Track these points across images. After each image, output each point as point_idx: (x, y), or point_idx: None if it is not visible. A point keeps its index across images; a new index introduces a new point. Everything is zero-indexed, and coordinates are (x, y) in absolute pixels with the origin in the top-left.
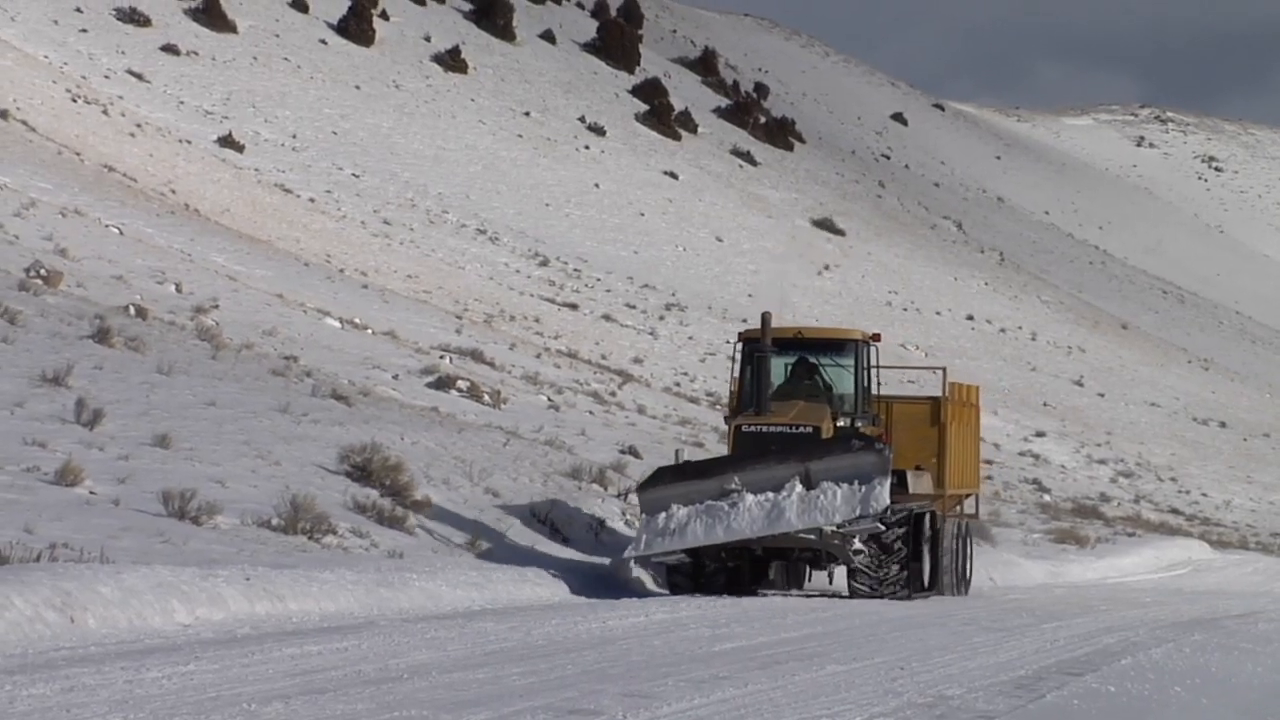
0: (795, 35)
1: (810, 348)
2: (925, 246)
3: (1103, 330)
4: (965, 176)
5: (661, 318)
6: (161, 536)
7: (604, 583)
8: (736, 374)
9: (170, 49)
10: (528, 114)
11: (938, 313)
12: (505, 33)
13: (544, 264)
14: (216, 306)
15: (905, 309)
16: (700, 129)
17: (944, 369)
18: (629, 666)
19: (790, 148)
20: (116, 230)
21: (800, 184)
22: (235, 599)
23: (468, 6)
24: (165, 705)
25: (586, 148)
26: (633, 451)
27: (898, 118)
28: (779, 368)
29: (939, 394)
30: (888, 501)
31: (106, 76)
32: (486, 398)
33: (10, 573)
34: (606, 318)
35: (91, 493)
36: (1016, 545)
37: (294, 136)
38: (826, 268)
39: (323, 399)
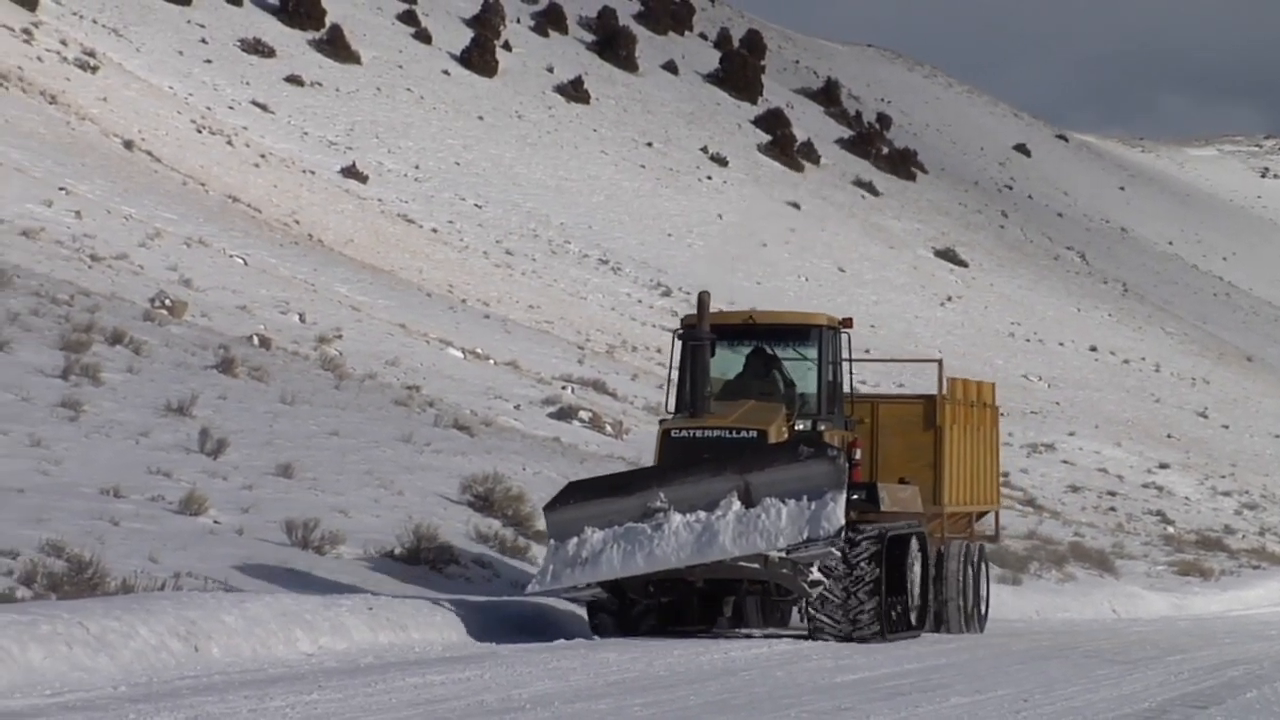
0: (918, 66)
1: (765, 336)
2: (1048, 277)
3: (1227, 362)
4: (1089, 207)
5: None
6: (285, 565)
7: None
8: (675, 369)
9: (294, 80)
10: (650, 144)
11: (1061, 344)
12: (628, 63)
13: (666, 294)
14: (340, 336)
15: (1028, 340)
16: (823, 159)
17: (939, 360)
18: (751, 698)
19: (913, 178)
20: (241, 260)
21: (923, 214)
22: (358, 628)
23: (590, 37)
24: None
25: (709, 178)
26: None
27: (1021, 148)
28: (736, 361)
29: (936, 392)
30: (843, 521)
31: (231, 107)
32: (609, 428)
33: (135, 602)
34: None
35: (216, 522)
36: (1140, 577)
37: (417, 167)
38: (949, 299)
39: (445, 429)
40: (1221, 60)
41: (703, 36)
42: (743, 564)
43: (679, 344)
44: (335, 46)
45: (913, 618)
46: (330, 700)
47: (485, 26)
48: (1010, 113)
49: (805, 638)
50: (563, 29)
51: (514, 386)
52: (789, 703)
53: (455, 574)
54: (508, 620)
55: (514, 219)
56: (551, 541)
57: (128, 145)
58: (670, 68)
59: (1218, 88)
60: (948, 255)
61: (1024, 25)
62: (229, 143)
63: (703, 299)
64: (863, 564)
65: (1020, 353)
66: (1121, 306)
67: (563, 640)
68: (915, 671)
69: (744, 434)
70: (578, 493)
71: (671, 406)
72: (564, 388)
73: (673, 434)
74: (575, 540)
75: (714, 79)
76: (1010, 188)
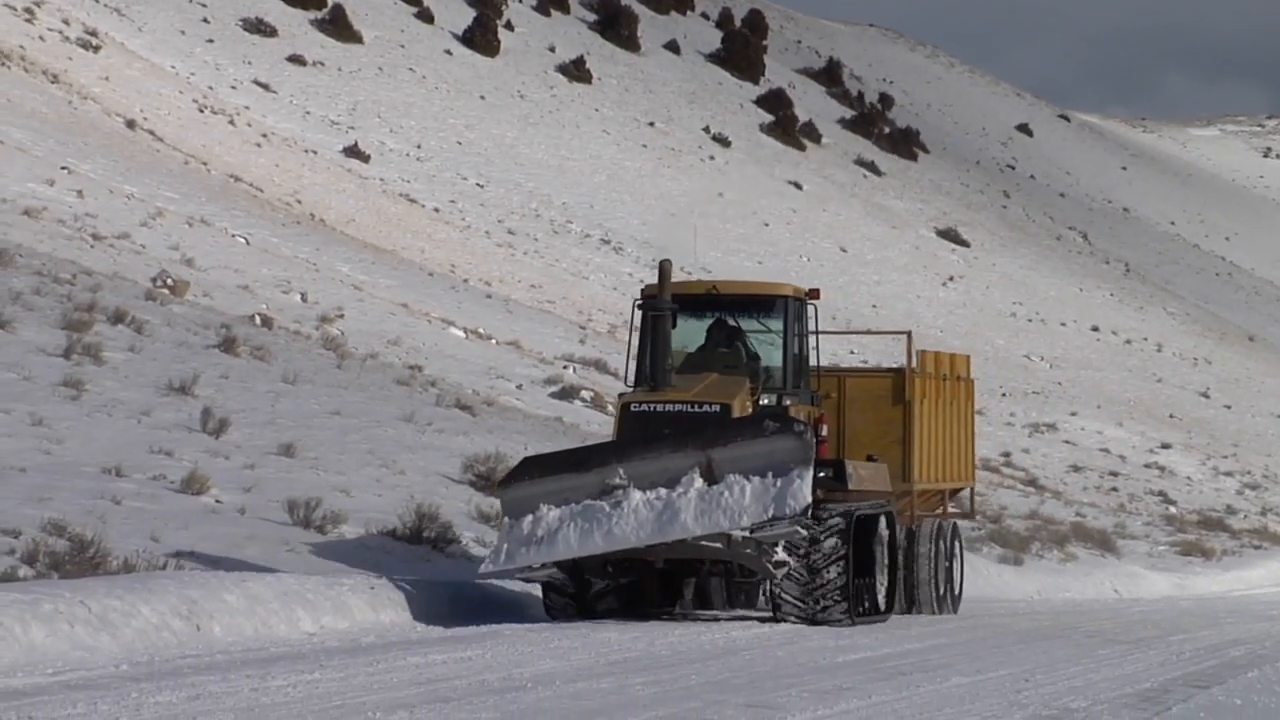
0: (920, 46)
1: (729, 307)
2: (1050, 257)
3: (1229, 342)
4: (1091, 187)
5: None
6: (286, 545)
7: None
8: (636, 341)
9: (296, 59)
10: (652, 124)
11: (1062, 324)
12: (630, 43)
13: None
14: (341, 316)
15: (1030, 320)
16: (824, 139)
17: (909, 333)
18: (752, 677)
19: (915, 158)
20: (243, 240)
21: (925, 194)
22: (360, 607)
23: (592, 17)
24: (290, 713)
25: (711, 158)
26: None
27: (1023, 128)
28: (699, 333)
29: (905, 365)
30: (809, 499)
31: (233, 87)
32: (610, 408)
33: (137, 581)
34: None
35: (217, 501)
36: (1142, 557)
37: (419, 146)
38: (951, 279)
39: (447, 408)
40: (1226, 40)
41: (705, 16)
42: (705, 543)
43: (639, 314)
44: (337, 26)
45: (881, 600)
46: (332, 679)
47: (487, 6)
48: (1012, 92)
49: (770, 620)
50: (564, 8)
51: (516, 366)
52: (790, 682)
53: (457, 553)
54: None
55: (516, 199)
56: (506, 519)
57: (130, 125)
58: (672, 47)
59: (1222, 67)
60: (950, 235)
61: (1027, 5)
62: (231, 122)
63: (664, 268)
64: (829, 544)
65: (1022, 333)
66: (1123, 286)
67: (543, 622)
68: (916, 651)
69: (706, 408)
70: (533, 469)
71: (632, 379)
72: (566, 367)
73: (632, 408)
74: (530, 518)
75: (716, 59)
76: (1012, 167)
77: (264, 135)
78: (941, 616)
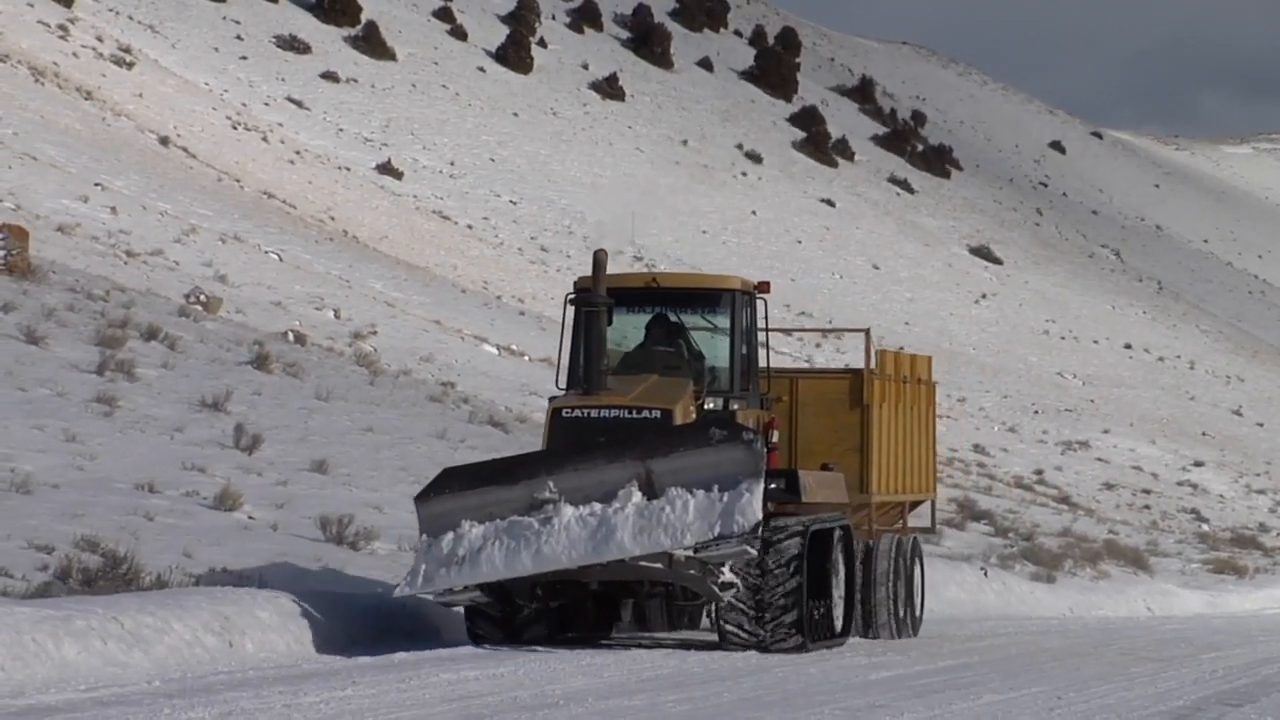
0: (953, 63)
1: (670, 301)
2: (1083, 275)
3: (1262, 360)
4: (1124, 205)
5: (818, 345)
6: (319, 561)
7: None
8: (569, 340)
9: (330, 76)
10: (685, 142)
11: (1095, 341)
12: (663, 60)
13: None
14: (374, 333)
15: (1063, 338)
16: (857, 157)
17: (867, 330)
18: (785, 695)
19: (947, 175)
20: (275, 256)
21: (957, 212)
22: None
23: (625, 34)
24: None
25: (743, 175)
26: None
27: (1056, 146)
28: (638, 330)
29: (864, 366)
30: (759, 515)
31: (266, 104)
32: None
33: (170, 597)
34: (763, 345)
35: (250, 517)
36: (1175, 575)
37: (452, 164)
38: (984, 296)
39: (479, 425)
40: (1261, 58)
41: (738, 34)
42: (644, 564)
43: (572, 311)
44: (371, 43)
45: (837, 622)
46: (364, 696)
47: (520, 23)
48: (1045, 110)
49: (715, 646)
50: (598, 26)
51: (548, 383)
52: (822, 699)
53: None
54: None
55: (549, 215)
56: (423, 536)
57: (163, 141)
58: (705, 65)
59: (1256, 86)
60: (982, 253)
61: (1062, 23)
62: (264, 139)
63: (598, 258)
64: (781, 564)
65: (1055, 350)
66: (1156, 304)
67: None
68: (949, 669)
69: (646, 414)
70: (454, 481)
71: (564, 382)
72: None
73: (564, 413)
74: (451, 536)
75: (749, 76)
76: (1045, 185)
77: (297, 152)
78: (980, 633)
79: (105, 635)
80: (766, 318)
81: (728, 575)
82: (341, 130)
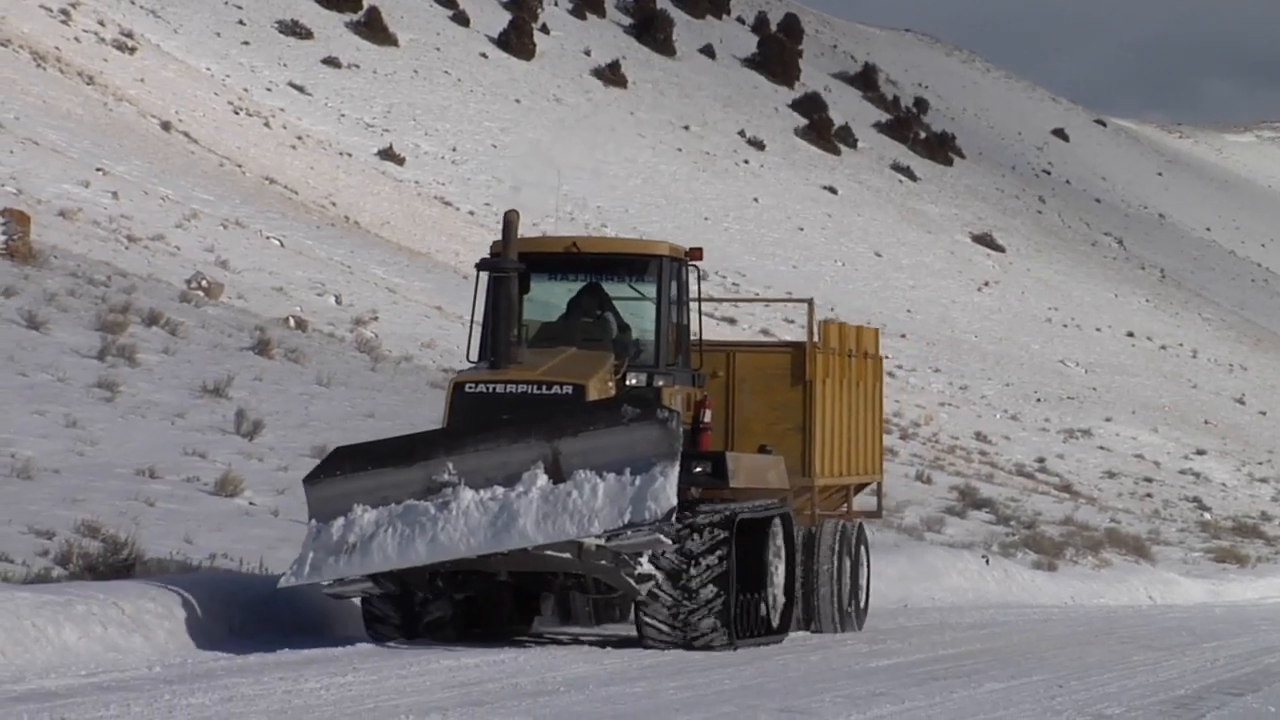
0: (956, 50)
1: (593, 268)
2: (1086, 263)
3: (1264, 348)
4: (1126, 193)
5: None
6: None
7: None
8: (481, 311)
9: (331, 62)
10: (687, 128)
11: (1098, 329)
12: (665, 47)
13: (703, 278)
14: (376, 318)
15: (1065, 326)
16: (860, 144)
17: (810, 300)
18: (786, 682)
19: (950, 163)
20: (277, 242)
21: (960, 199)
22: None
23: (628, 21)
24: (323, 715)
25: (746, 162)
26: None
27: (1059, 133)
28: (561, 300)
29: (806, 339)
30: (674, 501)
31: (268, 89)
32: None
33: (171, 582)
34: (765, 332)
35: (251, 503)
36: (1176, 564)
37: (454, 149)
38: (986, 284)
39: None
40: (1264, 47)
41: (740, 20)
42: (550, 553)
43: (484, 279)
44: (373, 28)
45: (775, 617)
46: (364, 682)
47: (523, 9)
48: (1048, 98)
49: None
50: (600, 12)
51: None
52: (824, 687)
53: None
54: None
55: (551, 202)
56: (312, 522)
57: (165, 126)
58: (708, 51)
59: (1260, 74)
60: (985, 240)
61: (1065, 11)
62: (266, 124)
63: (509, 219)
64: (704, 555)
65: (1057, 338)
66: (1159, 292)
67: (597, 627)
68: (950, 656)
69: (556, 389)
70: (346, 461)
71: (476, 355)
72: None
73: (466, 388)
74: (341, 521)
75: (751, 63)
76: (1048, 173)
77: (299, 138)
78: (981, 617)
79: (106, 620)
80: (699, 286)
81: (645, 567)
82: (343, 116)
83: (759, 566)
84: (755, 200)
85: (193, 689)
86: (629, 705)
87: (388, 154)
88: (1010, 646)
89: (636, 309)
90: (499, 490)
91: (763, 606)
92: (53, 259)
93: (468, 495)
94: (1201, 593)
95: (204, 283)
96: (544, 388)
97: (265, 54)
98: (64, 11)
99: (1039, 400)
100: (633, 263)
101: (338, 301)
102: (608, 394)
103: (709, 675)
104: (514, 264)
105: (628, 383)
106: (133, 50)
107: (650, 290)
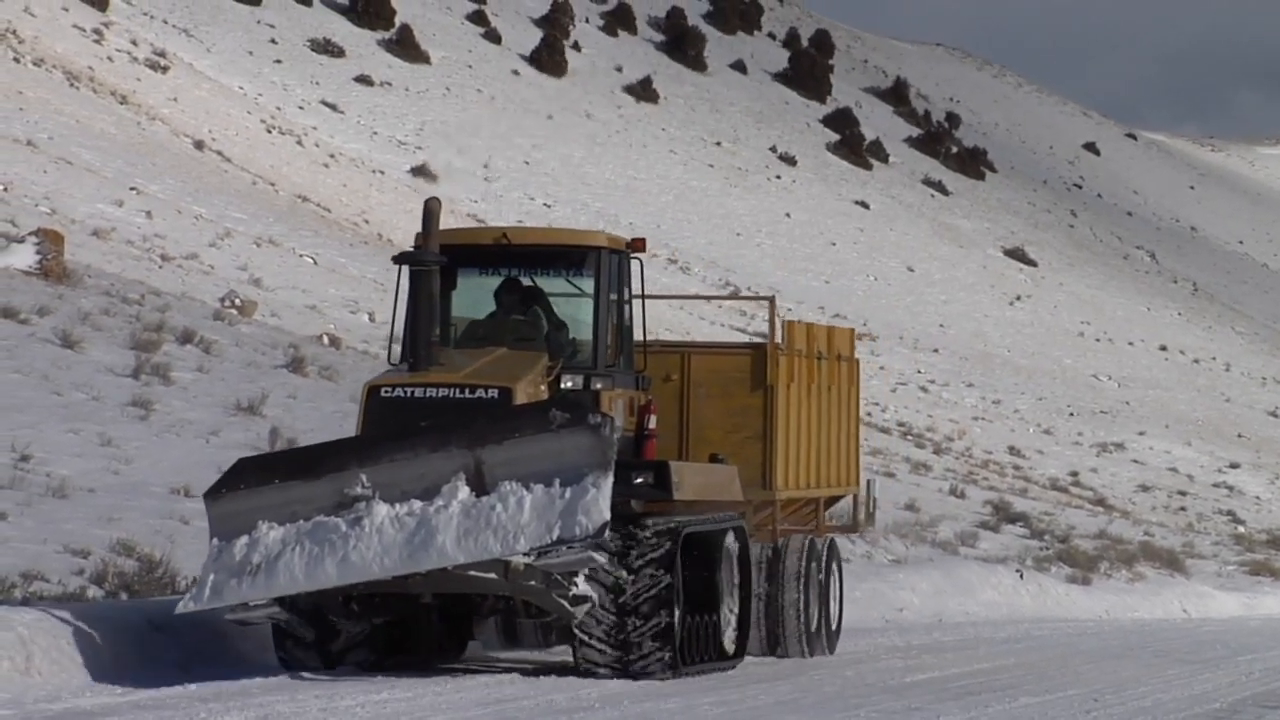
0: (987, 65)
1: (525, 262)
2: (1118, 277)
3: None
4: (1158, 206)
5: None
6: None
7: None
8: (403, 309)
9: (364, 80)
10: (719, 144)
11: (1130, 343)
12: (696, 63)
13: (734, 293)
14: None
15: (1098, 340)
16: (891, 159)
17: (772, 298)
18: (821, 697)
19: (982, 177)
20: (310, 260)
21: (992, 214)
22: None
23: (659, 37)
24: None
25: (778, 177)
26: None
27: (1090, 147)
28: (489, 295)
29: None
30: (606, 515)
31: (301, 107)
32: None
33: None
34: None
35: None
36: (1210, 577)
37: (486, 166)
38: (1018, 298)
39: None
40: None
41: (771, 36)
42: (475, 573)
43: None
44: (405, 46)
45: (728, 642)
46: (400, 699)
47: (554, 26)
48: (1079, 111)
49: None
50: (631, 29)
51: None
52: (858, 702)
53: None
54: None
55: (583, 218)
56: (214, 541)
57: (198, 145)
58: (739, 67)
59: None
60: (1017, 254)
61: (1096, 25)
62: (299, 143)
63: (429, 207)
64: (646, 573)
65: (1090, 352)
66: (1191, 306)
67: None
68: (985, 671)
69: (480, 393)
70: (250, 474)
71: (397, 358)
72: None
73: (382, 393)
74: (245, 540)
75: (783, 78)
76: (1079, 186)
77: (331, 155)
78: (1013, 633)
79: (140, 639)
80: (643, 281)
81: (582, 587)
82: (376, 134)
83: (711, 586)
84: (787, 216)
85: (228, 707)
86: None
87: (420, 171)
88: (1045, 661)
89: (573, 305)
90: (416, 504)
91: (715, 630)
92: (87, 278)
93: (382, 510)
94: (1236, 606)
95: (237, 301)
96: (467, 391)
97: (298, 72)
98: (97, 31)
99: (1072, 414)
100: (568, 255)
101: (371, 319)
102: (539, 398)
103: (743, 691)
104: (435, 257)
105: (562, 386)
106: (165, 70)
107: (588, 285)
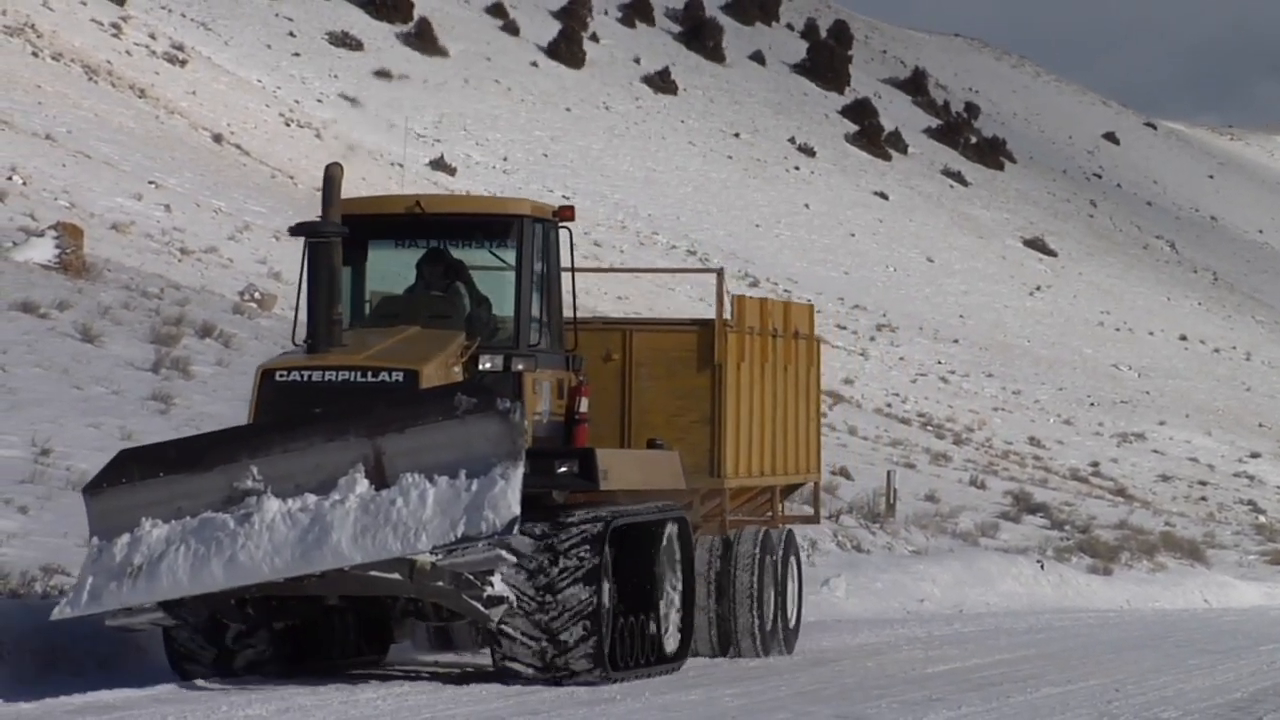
0: (1006, 55)
1: (442, 232)
2: (1138, 266)
3: None
4: (1178, 196)
5: (872, 338)
6: None
7: None
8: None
9: (382, 73)
10: (737, 135)
11: (1150, 333)
12: (715, 54)
13: (754, 285)
14: None
15: (1117, 329)
16: (910, 149)
17: (720, 270)
18: (842, 688)
19: (1001, 167)
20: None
21: (1011, 204)
22: None
23: (677, 28)
24: None
25: (796, 168)
26: (844, 473)
27: (1110, 137)
28: (409, 270)
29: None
30: (516, 510)
31: (319, 100)
32: None
33: None
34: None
35: None
36: (1232, 567)
37: (505, 159)
38: (1038, 288)
39: None
40: None
41: (790, 27)
42: (376, 574)
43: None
44: (423, 39)
45: (668, 642)
46: (421, 693)
47: (572, 18)
48: (1099, 101)
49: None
50: (649, 20)
51: None
52: (879, 693)
53: None
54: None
55: (602, 210)
56: (94, 540)
57: (216, 139)
58: (757, 58)
59: None
60: (1036, 245)
61: (1116, 15)
62: (317, 135)
63: (330, 174)
64: (569, 570)
65: (1110, 342)
66: (1211, 295)
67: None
68: (1006, 662)
69: (384, 376)
70: (133, 467)
71: (302, 338)
72: None
73: (277, 376)
74: (127, 539)
75: (801, 69)
76: (1099, 176)
77: (350, 148)
78: (1034, 622)
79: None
80: (572, 253)
81: (498, 588)
82: (394, 126)
83: (649, 583)
84: (806, 207)
85: (250, 700)
86: (685, 713)
87: (439, 164)
88: (1066, 651)
89: (497, 280)
90: (310, 499)
91: (654, 630)
92: (106, 272)
93: (273, 506)
94: (1257, 596)
95: (257, 294)
96: (369, 375)
97: (316, 65)
98: (115, 25)
99: (1092, 404)
100: (490, 225)
101: None
102: (455, 378)
103: (764, 682)
104: (335, 228)
105: (481, 367)
106: (184, 63)
107: (511, 257)
